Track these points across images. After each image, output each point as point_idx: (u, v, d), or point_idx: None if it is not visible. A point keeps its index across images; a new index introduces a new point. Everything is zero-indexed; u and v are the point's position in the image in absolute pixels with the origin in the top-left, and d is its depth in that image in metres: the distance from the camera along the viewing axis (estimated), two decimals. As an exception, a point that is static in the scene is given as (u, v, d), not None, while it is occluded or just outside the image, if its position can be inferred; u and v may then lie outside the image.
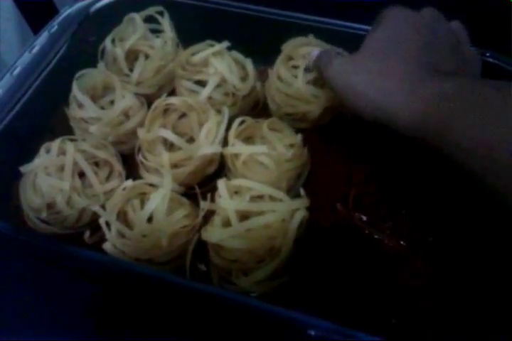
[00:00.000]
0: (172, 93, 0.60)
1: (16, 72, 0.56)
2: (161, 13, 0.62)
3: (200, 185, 0.51)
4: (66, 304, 0.52)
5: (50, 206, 0.49)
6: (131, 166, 0.55)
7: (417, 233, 0.49)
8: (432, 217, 0.50)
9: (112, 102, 0.57)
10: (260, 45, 0.61)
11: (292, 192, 0.50)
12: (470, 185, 0.36)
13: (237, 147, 0.49)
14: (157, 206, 0.44)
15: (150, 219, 0.46)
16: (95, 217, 0.49)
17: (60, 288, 0.53)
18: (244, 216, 0.44)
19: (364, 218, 0.51)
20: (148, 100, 0.58)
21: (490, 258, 0.47)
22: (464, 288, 0.45)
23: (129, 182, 0.48)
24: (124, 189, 0.47)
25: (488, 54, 0.53)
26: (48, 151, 0.50)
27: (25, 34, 0.89)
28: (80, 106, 0.55)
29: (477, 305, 0.44)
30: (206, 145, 0.49)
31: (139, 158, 0.52)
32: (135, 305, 0.50)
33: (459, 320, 0.44)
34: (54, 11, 0.99)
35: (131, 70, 0.59)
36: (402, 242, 0.49)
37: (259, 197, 0.46)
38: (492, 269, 0.46)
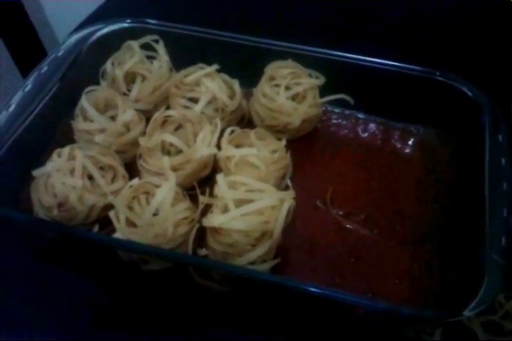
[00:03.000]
0: (167, 109, 0.67)
1: (27, 89, 0.62)
2: (156, 41, 0.70)
3: (195, 188, 0.57)
4: (67, 302, 0.56)
5: (61, 204, 0.54)
6: (132, 173, 0.61)
7: (387, 223, 0.57)
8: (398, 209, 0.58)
9: (112, 118, 0.63)
10: (243, 69, 0.70)
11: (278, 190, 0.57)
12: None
13: (230, 150, 0.56)
14: (164, 197, 0.50)
15: (154, 214, 0.52)
16: (103, 214, 0.55)
17: (62, 286, 0.57)
18: (239, 207, 0.51)
19: (340, 212, 0.58)
20: (146, 116, 0.65)
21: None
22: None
23: (136, 181, 0.54)
24: (130, 186, 0.53)
25: (438, 73, 0.63)
26: (59, 156, 0.56)
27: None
28: (86, 118, 0.61)
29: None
30: (203, 148, 0.56)
31: (140, 162, 0.59)
32: (136, 303, 0.55)
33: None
34: (42, 53, 1.06)
35: (129, 90, 0.67)
36: (374, 231, 0.56)
37: (251, 191, 0.52)
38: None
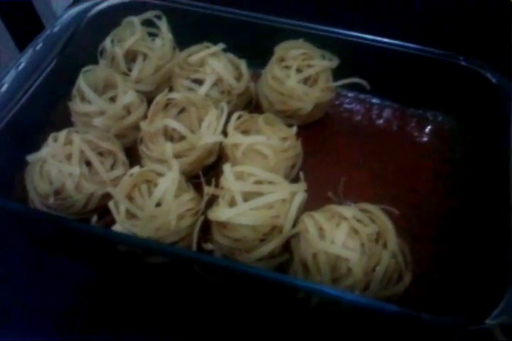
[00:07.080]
0: (169, 91, 0.63)
1: (21, 67, 0.58)
2: (158, 17, 0.65)
3: (199, 176, 0.54)
4: (66, 291, 0.53)
5: (58, 192, 0.51)
6: (132, 158, 0.57)
7: (402, 217, 0.54)
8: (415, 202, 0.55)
9: (112, 99, 0.59)
10: (251, 49, 0.65)
11: (287, 180, 0.54)
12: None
13: (237, 137, 0.53)
14: (167, 188, 0.47)
15: (157, 204, 0.49)
16: (101, 203, 0.52)
17: (60, 274, 0.54)
18: (246, 199, 0.47)
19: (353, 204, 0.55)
20: (147, 97, 0.61)
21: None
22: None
23: (137, 169, 0.50)
24: (131, 175, 0.50)
25: (461, 58, 0.59)
26: (55, 141, 0.52)
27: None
28: (83, 100, 0.57)
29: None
30: (208, 135, 0.53)
31: (142, 148, 0.55)
32: (136, 292, 0.53)
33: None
34: (40, 27, 1.00)
35: (129, 70, 0.63)
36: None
37: (259, 182, 0.49)
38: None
